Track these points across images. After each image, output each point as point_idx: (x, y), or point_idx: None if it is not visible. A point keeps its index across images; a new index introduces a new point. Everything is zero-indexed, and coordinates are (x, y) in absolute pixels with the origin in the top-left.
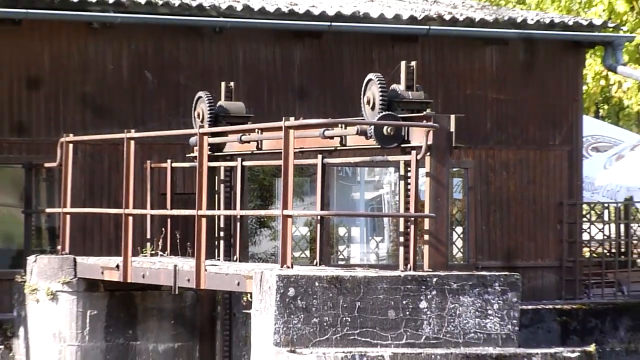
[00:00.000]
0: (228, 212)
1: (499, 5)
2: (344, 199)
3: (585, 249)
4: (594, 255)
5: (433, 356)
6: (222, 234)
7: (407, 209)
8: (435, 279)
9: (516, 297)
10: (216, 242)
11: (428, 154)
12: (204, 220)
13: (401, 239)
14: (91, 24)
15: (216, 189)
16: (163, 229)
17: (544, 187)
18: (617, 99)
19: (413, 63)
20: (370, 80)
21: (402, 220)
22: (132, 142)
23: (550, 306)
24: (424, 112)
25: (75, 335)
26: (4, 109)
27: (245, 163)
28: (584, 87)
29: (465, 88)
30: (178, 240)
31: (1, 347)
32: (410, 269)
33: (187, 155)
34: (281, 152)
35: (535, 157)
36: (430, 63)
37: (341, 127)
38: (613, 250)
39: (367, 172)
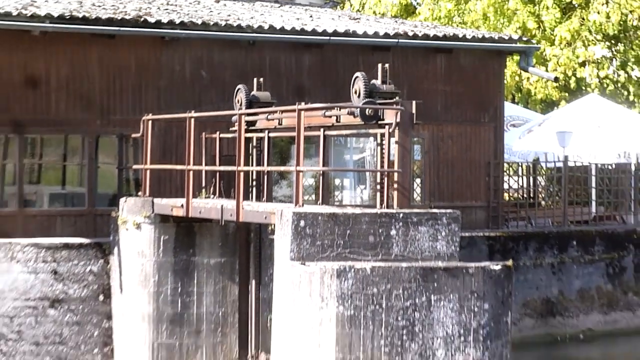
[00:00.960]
0: (258, 168)
1: (446, 25)
2: (339, 159)
3: (505, 194)
4: (511, 198)
5: (400, 268)
6: (254, 183)
7: (382, 166)
8: (401, 215)
9: (457, 227)
10: (250, 189)
11: (397, 128)
12: (242, 173)
13: (378, 186)
14: (164, 37)
15: (250, 152)
16: (213, 180)
17: (477, 152)
18: (527, 89)
19: (387, 65)
20: (357, 77)
21: (379, 174)
22: (192, 120)
23: (481, 234)
24: (394, 100)
25: (152, 252)
26: (102, 98)
27: (270, 134)
28: (505, 82)
29: (423, 83)
30: (223, 188)
31: (102, 260)
32: (384, 208)
33: (230, 129)
34: (295, 127)
35: (471, 131)
36: (398, 66)
37: (337, 109)
38: (524, 195)
39: (355, 141)
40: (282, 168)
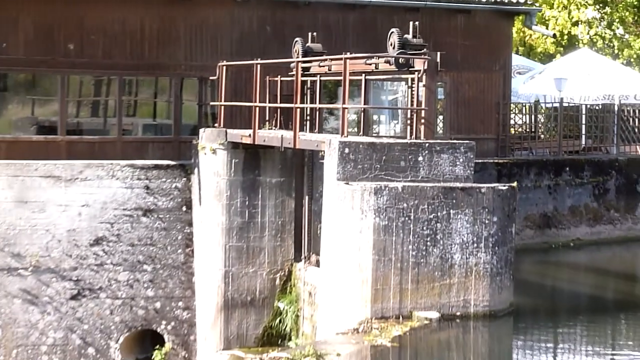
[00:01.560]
0: (311, 106)
1: None
2: (376, 99)
3: (512, 129)
4: (516, 132)
5: (425, 187)
6: (307, 117)
7: (412, 104)
8: (427, 144)
9: (472, 155)
10: (304, 122)
11: (424, 74)
12: (298, 110)
13: (408, 121)
14: (235, 0)
15: (305, 93)
16: (275, 115)
17: (489, 94)
18: (529, 44)
19: (416, 23)
20: (392, 32)
21: (409, 111)
22: (258, 66)
23: (491, 160)
24: (422, 51)
25: (225, 172)
26: (186, 47)
27: (322, 78)
28: (512, 37)
29: (446, 38)
30: (283, 121)
31: (184, 178)
32: (413, 138)
33: (289, 74)
34: (341, 73)
35: (484, 77)
36: (426, 24)
37: (376, 58)
38: (527, 130)
39: (389, 84)
40: (330, 106)
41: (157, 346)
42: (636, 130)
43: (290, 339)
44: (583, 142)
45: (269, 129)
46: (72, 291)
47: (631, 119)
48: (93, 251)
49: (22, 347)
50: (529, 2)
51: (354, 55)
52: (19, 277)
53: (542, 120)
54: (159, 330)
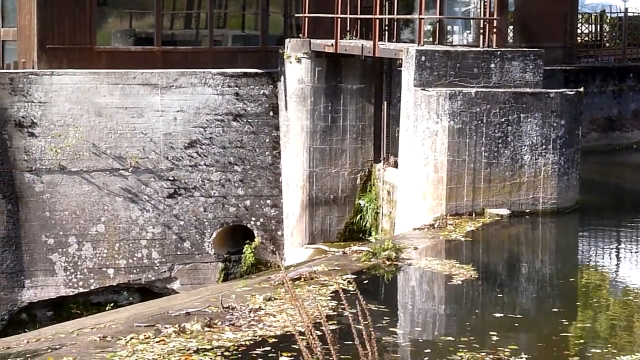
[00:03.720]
0: (390, 16)
1: None
2: (450, 10)
3: (578, 38)
4: (583, 41)
5: (497, 92)
6: (386, 28)
7: (485, 14)
8: (499, 52)
9: (541, 62)
10: (383, 32)
11: None
12: (377, 20)
13: (481, 31)
14: None
15: (383, 4)
16: (355, 25)
17: (558, 4)
18: None
19: None
20: None
21: (482, 21)
22: None
23: (559, 67)
24: None
25: (309, 79)
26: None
27: None
28: None
29: None
30: (363, 31)
31: (271, 85)
32: (485, 47)
33: None
34: None
35: None
36: None
37: None
38: (593, 39)
39: None
40: (408, 16)
41: (247, 241)
42: None
43: (370, 234)
44: None
45: (349, 39)
46: (169, 190)
47: None
48: (187, 153)
49: (124, 241)
50: None
51: None
52: (121, 177)
53: (608, 30)
54: (248, 226)
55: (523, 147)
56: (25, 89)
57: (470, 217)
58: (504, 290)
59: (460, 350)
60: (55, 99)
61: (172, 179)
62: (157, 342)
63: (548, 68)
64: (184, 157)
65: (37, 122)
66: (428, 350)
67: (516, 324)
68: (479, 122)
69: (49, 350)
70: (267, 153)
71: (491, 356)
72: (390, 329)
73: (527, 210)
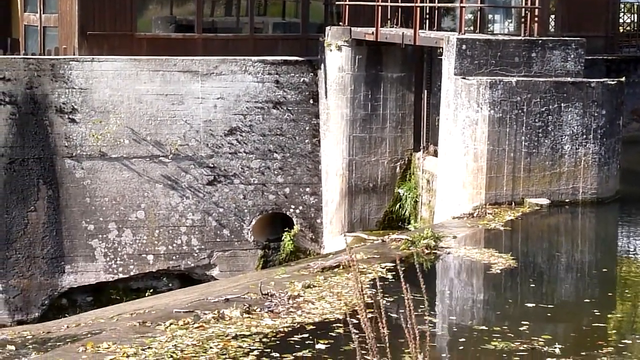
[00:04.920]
0: (430, 5)
1: None
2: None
3: (620, 28)
4: (625, 30)
5: (538, 81)
6: (427, 16)
7: (526, 3)
8: (540, 41)
9: (583, 51)
10: (424, 21)
11: None
12: (418, 9)
13: (522, 20)
14: None
15: None
16: (396, 13)
17: None
18: None
19: None
20: None
21: (523, 10)
22: None
23: (600, 57)
24: None
25: (349, 68)
26: None
27: None
28: None
29: None
30: (403, 20)
31: (311, 73)
32: (527, 36)
33: None
34: None
35: None
36: None
37: None
38: (635, 28)
39: None
40: (449, 5)
41: (286, 228)
42: None
43: (409, 223)
44: None
45: (390, 27)
46: (209, 177)
47: None
48: (227, 140)
49: (164, 227)
50: None
51: None
52: (161, 164)
53: None
54: (288, 213)
55: (563, 136)
56: (66, 75)
57: (510, 206)
58: (542, 280)
59: (495, 339)
60: (96, 86)
61: (211, 166)
62: (196, 327)
63: (589, 57)
64: (224, 145)
65: (77, 109)
66: (463, 340)
67: (552, 314)
68: (520, 111)
69: (89, 335)
70: (306, 141)
71: (525, 345)
72: (427, 318)
73: (567, 200)
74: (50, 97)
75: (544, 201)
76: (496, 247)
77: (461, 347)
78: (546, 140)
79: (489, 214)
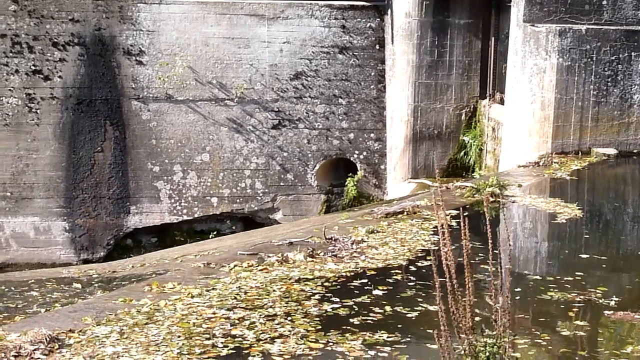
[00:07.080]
0: None
1: None
2: None
3: None
4: None
5: (609, 30)
6: None
7: None
8: None
9: None
10: None
11: None
12: None
13: None
14: None
15: None
16: None
17: None
18: None
19: None
20: None
21: None
22: None
23: None
24: None
25: (417, 13)
26: None
27: None
28: None
29: None
30: None
31: (378, 19)
32: None
33: None
34: None
35: None
36: None
37: None
38: None
39: None
40: None
41: (350, 174)
42: None
43: (473, 171)
44: None
45: None
46: (274, 121)
47: None
48: (293, 85)
49: (228, 170)
50: None
51: None
52: (226, 107)
53: None
54: (352, 159)
55: (633, 86)
56: (134, 17)
57: (576, 155)
58: (608, 231)
59: (551, 290)
60: (163, 28)
61: (276, 110)
62: (260, 270)
63: None
64: (289, 89)
65: (145, 51)
66: (519, 289)
67: (614, 265)
68: (589, 59)
69: (154, 275)
70: (372, 87)
71: (581, 297)
72: (485, 266)
73: (635, 151)
74: (118, 39)
75: (612, 151)
76: (562, 197)
77: (517, 297)
78: (615, 90)
79: (555, 163)
